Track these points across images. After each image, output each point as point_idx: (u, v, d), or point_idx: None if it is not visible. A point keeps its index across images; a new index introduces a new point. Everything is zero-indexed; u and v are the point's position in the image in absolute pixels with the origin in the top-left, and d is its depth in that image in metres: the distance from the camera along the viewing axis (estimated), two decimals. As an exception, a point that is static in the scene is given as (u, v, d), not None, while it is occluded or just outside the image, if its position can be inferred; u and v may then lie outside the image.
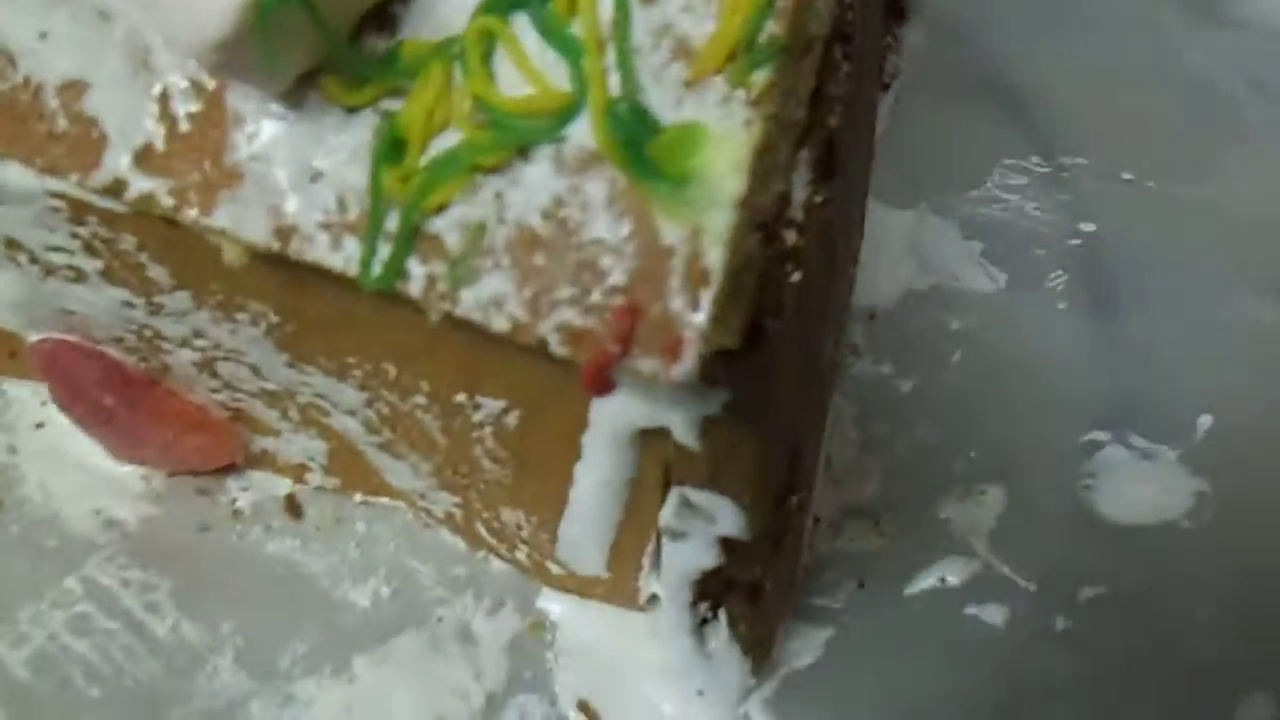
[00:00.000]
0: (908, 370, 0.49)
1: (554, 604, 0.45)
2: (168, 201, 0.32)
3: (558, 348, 0.29)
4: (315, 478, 0.46)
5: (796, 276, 0.31)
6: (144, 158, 0.32)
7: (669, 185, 0.27)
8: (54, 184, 0.33)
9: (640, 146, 0.27)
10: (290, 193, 0.30)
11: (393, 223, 0.29)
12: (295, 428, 0.43)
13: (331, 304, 0.33)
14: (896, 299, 0.50)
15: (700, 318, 0.28)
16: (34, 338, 0.43)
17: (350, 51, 0.30)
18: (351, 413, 0.40)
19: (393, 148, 0.29)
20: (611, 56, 0.28)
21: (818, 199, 0.31)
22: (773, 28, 0.27)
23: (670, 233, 0.28)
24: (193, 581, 0.45)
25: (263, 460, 0.46)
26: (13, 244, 0.37)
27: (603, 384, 0.28)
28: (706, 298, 0.28)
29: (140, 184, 0.32)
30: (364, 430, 0.41)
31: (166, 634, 0.44)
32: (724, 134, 0.27)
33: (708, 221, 0.27)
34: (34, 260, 0.38)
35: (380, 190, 0.29)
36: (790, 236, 0.30)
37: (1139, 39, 0.54)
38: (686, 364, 0.28)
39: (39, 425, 0.47)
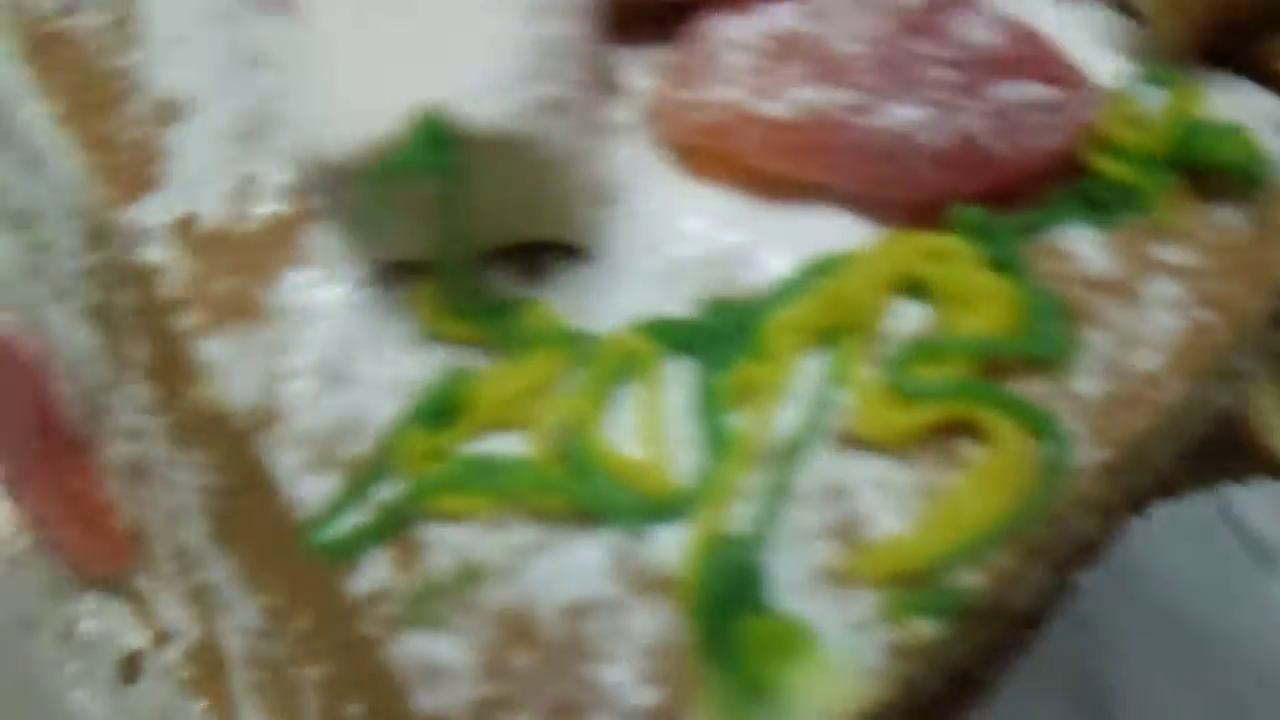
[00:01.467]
0: None
1: None
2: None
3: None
4: (171, 657, 0.37)
5: None
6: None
7: (736, 686, 0.19)
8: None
9: (728, 615, 0.19)
10: (307, 378, 0.23)
11: (386, 495, 0.21)
12: (181, 599, 0.35)
13: (280, 516, 0.25)
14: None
15: None
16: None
17: (465, 274, 0.22)
18: (241, 632, 0.32)
19: (440, 412, 0.21)
20: (756, 482, 0.20)
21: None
22: (972, 578, 0.19)
23: (699, 745, 0.19)
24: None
25: (133, 597, 0.38)
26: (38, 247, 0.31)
27: None
28: None
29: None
30: (242, 657, 0.32)
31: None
32: (841, 669, 0.19)
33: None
34: (37, 249, 0.31)
35: (396, 451, 0.21)
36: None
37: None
38: None
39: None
